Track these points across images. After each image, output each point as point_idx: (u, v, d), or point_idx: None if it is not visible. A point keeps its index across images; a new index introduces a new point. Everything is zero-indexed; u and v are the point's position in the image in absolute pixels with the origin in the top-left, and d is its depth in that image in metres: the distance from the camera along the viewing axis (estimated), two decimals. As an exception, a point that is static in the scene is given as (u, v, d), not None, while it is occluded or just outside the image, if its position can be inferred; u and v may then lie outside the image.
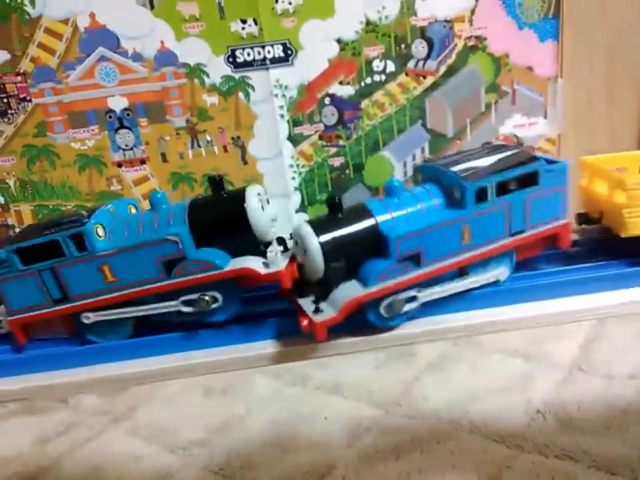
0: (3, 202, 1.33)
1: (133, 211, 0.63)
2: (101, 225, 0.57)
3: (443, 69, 1.38)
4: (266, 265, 0.55)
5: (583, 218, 0.64)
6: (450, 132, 1.43)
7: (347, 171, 1.42)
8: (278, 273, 0.54)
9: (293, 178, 1.41)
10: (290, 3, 1.26)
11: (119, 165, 1.34)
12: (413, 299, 0.54)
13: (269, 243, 0.58)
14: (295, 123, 1.36)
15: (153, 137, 1.32)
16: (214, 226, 0.56)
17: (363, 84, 1.36)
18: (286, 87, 1.32)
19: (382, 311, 0.53)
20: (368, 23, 1.31)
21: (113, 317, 0.59)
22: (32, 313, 0.59)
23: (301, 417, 0.87)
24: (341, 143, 1.40)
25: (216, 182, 0.57)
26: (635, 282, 0.58)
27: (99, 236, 0.56)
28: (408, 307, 0.53)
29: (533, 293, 0.59)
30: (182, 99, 1.30)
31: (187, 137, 1.33)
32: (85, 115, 1.29)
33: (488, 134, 1.45)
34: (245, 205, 0.55)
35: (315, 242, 0.52)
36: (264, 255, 0.56)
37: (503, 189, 0.55)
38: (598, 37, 1.45)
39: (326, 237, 0.53)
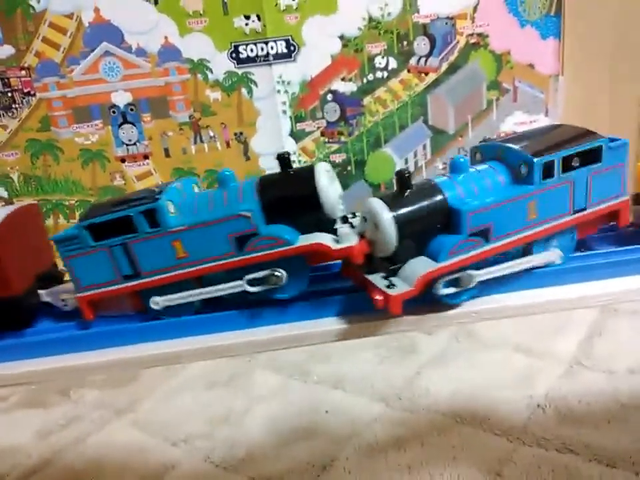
0: (6, 196, 1.34)
1: (196, 189, 0.63)
2: (171, 201, 0.57)
3: (444, 66, 1.38)
4: (336, 241, 0.55)
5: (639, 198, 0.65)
6: (451, 129, 1.44)
7: (349, 167, 1.42)
8: (350, 248, 0.55)
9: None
10: (293, 0, 1.26)
11: (122, 160, 1.34)
12: (477, 275, 0.54)
13: (334, 221, 0.58)
14: (297, 119, 1.36)
15: (156, 132, 1.33)
16: (283, 203, 0.57)
17: (365, 80, 1.36)
18: (288, 83, 1.33)
19: (451, 286, 0.54)
20: (370, 19, 1.31)
21: (182, 301, 0.60)
22: (102, 290, 0.59)
23: (302, 410, 0.88)
24: (343, 139, 1.40)
25: (284, 159, 0.58)
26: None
27: (170, 212, 0.57)
28: (474, 282, 0.54)
29: (591, 272, 0.60)
30: (185, 95, 1.31)
31: (189, 132, 1.34)
32: (88, 110, 1.30)
33: (489, 131, 1.46)
34: (315, 181, 0.55)
35: (387, 216, 0.53)
36: (332, 231, 0.57)
37: (567, 165, 0.56)
38: (599, 35, 1.45)
39: (397, 212, 0.53)
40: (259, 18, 1.26)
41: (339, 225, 0.59)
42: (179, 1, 1.23)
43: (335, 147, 1.41)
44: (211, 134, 1.34)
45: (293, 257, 0.55)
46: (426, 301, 0.54)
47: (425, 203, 0.54)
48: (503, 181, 0.56)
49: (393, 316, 0.54)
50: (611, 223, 0.65)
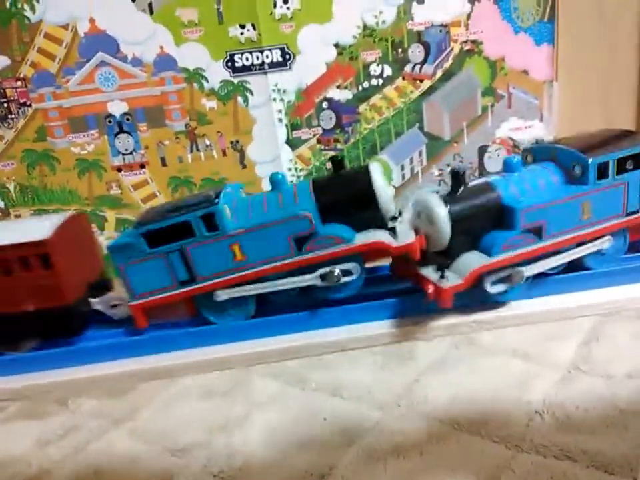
0: (2, 206, 1.34)
1: (243, 194, 0.64)
2: (227, 205, 0.58)
3: (439, 73, 1.39)
4: (394, 237, 0.56)
5: None
6: (447, 135, 1.45)
7: (345, 175, 1.42)
8: (409, 244, 0.55)
9: (292, 182, 1.41)
10: (288, 8, 1.27)
11: (119, 170, 1.34)
12: (531, 268, 0.55)
13: (384, 219, 0.59)
14: (293, 126, 1.37)
15: (152, 141, 1.33)
16: (340, 202, 0.58)
17: (360, 88, 1.37)
18: (284, 91, 1.33)
19: (501, 282, 0.55)
20: (365, 27, 1.32)
21: (244, 294, 0.60)
22: (157, 297, 0.59)
23: (300, 418, 0.88)
24: (339, 146, 1.41)
25: (338, 161, 0.59)
26: None
27: (228, 215, 0.57)
28: (524, 279, 0.54)
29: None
30: (181, 104, 1.31)
31: (186, 141, 1.34)
32: (84, 120, 1.30)
33: (485, 137, 1.46)
34: (371, 181, 0.56)
35: (442, 211, 0.53)
36: (387, 229, 0.57)
37: (621, 167, 0.57)
38: (593, 41, 1.46)
39: (453, 207, 0.54)
40: (254, 27, 1.27)
41: (391, 223, 0.58)
42: (174, 10, 1.24)
43: (332, 154, 1.41)
44: (207, 142, 1.35)
45: (351, 256, 0.55)
46: (475, 298, 0.55)
47: (478, 200, 0.55)
48: (556, 181, 0.57)
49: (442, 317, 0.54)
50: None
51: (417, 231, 0.57)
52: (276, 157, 1.38)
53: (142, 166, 1.35)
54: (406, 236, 0.56)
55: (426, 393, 0.88)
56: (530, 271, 0.54)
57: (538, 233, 0.55)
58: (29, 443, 0.89)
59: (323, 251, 0.56)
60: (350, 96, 1.37)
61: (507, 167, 0.59)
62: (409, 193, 1.42)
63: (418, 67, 1.38)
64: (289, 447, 0.80)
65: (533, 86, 1.44)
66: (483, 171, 1.49)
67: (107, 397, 0.99)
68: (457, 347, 1.01)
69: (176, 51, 1.27)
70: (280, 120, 1.36)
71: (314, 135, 1.39)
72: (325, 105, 1.37)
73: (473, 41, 1.37)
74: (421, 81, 1.39)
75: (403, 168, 1.46)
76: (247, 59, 1.29)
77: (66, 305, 0.62)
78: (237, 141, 1.36)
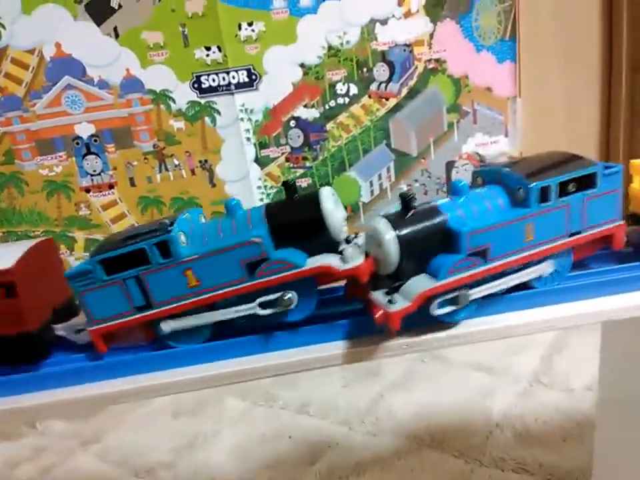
0: (-30, 229, 1.33)
1: (203, 219, 0.65)
2: (183, 232, 0.59)
3: (404, 91, 1.41)
4: (343, 261, 0.57)
5: (634, 219, 0.68)
6: (414, 151, 1.47)
7: (315, 192, 1.44)
8: (356, 268, 0.57)
9: (262, 199, 1.43)
10: (253, 30, 1.29)
11: (87, 191, 1.34)
12: (474, 293, 0.57)
13: (339, 242, 0.60)
14: (261, 145, 1.38)
15: (121, 162, 1.34)
16: (291, 227, 0.59)
17: (327, 107, 1.39)
18: (251, 111, 1.35)
19: (448, 305, 0.56)
20: (330, 48, 1.34)
21: (187, 326, 0.61)
22: (116, 322, 0.61)
23: (266, 436, 0.89)
24: (308, 164, 1.42)
25: (289, 186, 0.60)
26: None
27: (182, 242, 0.58)
28: (470, 300, 0.56)
29: (587, 291, 0.62)
30: (149, 125, 1.32)
31: (154, 161, 1.35)
32: (52, 142, 1.30)
33: (451, 153, 1.49)
34: (320, 206, 0.58)
35: (390, 235, 0.55)
36: (338, 253, 0.59)
37: (563, 190, 0.59)
38: (554, 56, 1.50)
39: (400, 231, 0.56)
40: (219, 49, 1.28)
41: (343, 246, 0.60)
42: (139, 34, 1.25)
43: (300, 171, 1.43)
44: (176, 162, 1.36)
45: (303, 279, 0.57)
46: (425, 320, 0.57)
47: (426, 223, 0.57)
48: (502, 204, 0.59)
49: (391, 335, 0.56)
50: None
51: (367, 254, 0.58)
52: (245, 175, 1.39)
53: (111, 186, 1.35)
54: (355, 259, 0.58)
55: (390, 409, 0.90)
56: (477, 293, 0.56)
57: (483, 255, 0.57)
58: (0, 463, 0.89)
59: (273, 276, 0.57)
60: (317, 114, 1.39)
61: (454, 190, 0.61)
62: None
63: (383, 85, 1.40)
64: (254, 465, 0.81)
65: (497, 102, 1.47)
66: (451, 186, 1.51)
67: (76, 419, 0.99)
68: (423, 360, 1.03)
69: (142, 73, 1.28)
70: (248, 139, 1.37)
71: (282, 154, 1.40)
72: (292, 123, 1.38)
73: (437, 60, 1.40)
74: (387, 99, 1.41)
75: (371, 184, 1.48)
76: (213, 80, 1.30)
77: (28, 331, 0.63)
78: (206, 161, 1.37)
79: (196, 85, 1.30)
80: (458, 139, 1.48)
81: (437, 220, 0.58)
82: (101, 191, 1.35)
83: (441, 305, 0.56)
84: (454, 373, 0.97)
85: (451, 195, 0.61)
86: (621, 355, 0.73)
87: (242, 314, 0.59)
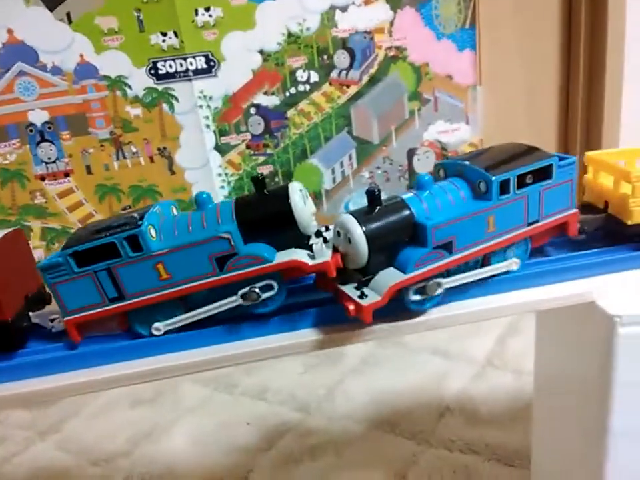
0: None
1: (175, 212, 0.65)
2: (152, 225, 0.59)
3: (365, 79, 1.41)
4: (311, 256, 0.58)
5: (588, 208, 0.71)
6: (376, 139, 1.47)
7: (277, 179, 1.44)
8: (324, 263, 0.57)
9: (222, 187, 1.42)
10: (210, 16, 1.27)
11: (42, 179, 1.32)
12: (442, 283, 0.59)
13: (309, 237, 0.61)
14: (221, 132, 1.37)
15: (76, 149, 1.31)
16: (260, 222, 0.60)
17: (287, 94, 1.38)
18: (210, 98, 1.33)
19: (418, 294, 0.58)
20: (290, 34, 1.33)
21: (178, 325, 0.62)
22: (89, 312, 0.61)
23: (225, 423, 0.89)
24: (269, 151, 1.42)
25: (259, 181, 0.60)
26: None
27: (152, 236, 0.58)
28: (439, 290, 0.58)
29: (545, 277, 0.65)
30: (105, 111, 1.30)
31: (111, 148, 1.33)
32: (5, 130, 1.27)
33: (413, 140, 1.50)
34: (289, 200, 0.58)
35: (358, 231, 0.56)
36: (307, 247, 0.60)
37: (521, 182, 0.61)
38: (514, 45, 1.52)
39: (368, 226, 0.57)
40: (176, 34, 1.27)
41: (313, 240, 0.61)
42: (93, 19, 1.22)
43: (262, 159, 1.42)
44: (134, 150, 1.34)
45: (272, 273, 0.58)
46: (396, 309, 0.58)
47: (393, 218, 0.58)
48: (464, 197, 0.61)
49: (362, 325, 0.58)
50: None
51: (336, 249, 0.59)
52: (205, 162, 1.38)
53: (66, 174, 1.32)
54: (323, 254, 0.59)
55: (347, 394, 0.90)
56: (445, 284, 0.59)
57: (449, 247, 0.59)
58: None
59: (242, 270, 0.58)
60: (277, 102, 1.38)
61: (419, 184, 0.63)
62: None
63: (344, 72, 1.40)
64: (211, 452, 0.81)
65: (457, 90, 1.48)
66: (412, 173, 1.52)
67: (35, 409, 0.98)
68: (383, 346, 1.04)
69: (97, 58, 1.25)
70: (207, 126, 1.36)
71: (243, 141, 1.39)
72: (252, 110, 1.38)
73: (397, 47, 1.40)
74: (348, 87, 1.41)
75: (333, 171, 1.48)
76: (170, 66, 1.29)
77: (5, 320, 0.63)
78: (165, 148, 1.35)
79: (152, 71, 1.28)
80: (419, 126, 1.49)
81: (403, 215, 0.60)
82: (56, 179, 1.32)
83: (413, 294, 0.58)
84: (412, 357, 0.98)
85: (415, 190, 0.63)
86: (555, 341, 0.75)
87: (225, 308, 0.60)
